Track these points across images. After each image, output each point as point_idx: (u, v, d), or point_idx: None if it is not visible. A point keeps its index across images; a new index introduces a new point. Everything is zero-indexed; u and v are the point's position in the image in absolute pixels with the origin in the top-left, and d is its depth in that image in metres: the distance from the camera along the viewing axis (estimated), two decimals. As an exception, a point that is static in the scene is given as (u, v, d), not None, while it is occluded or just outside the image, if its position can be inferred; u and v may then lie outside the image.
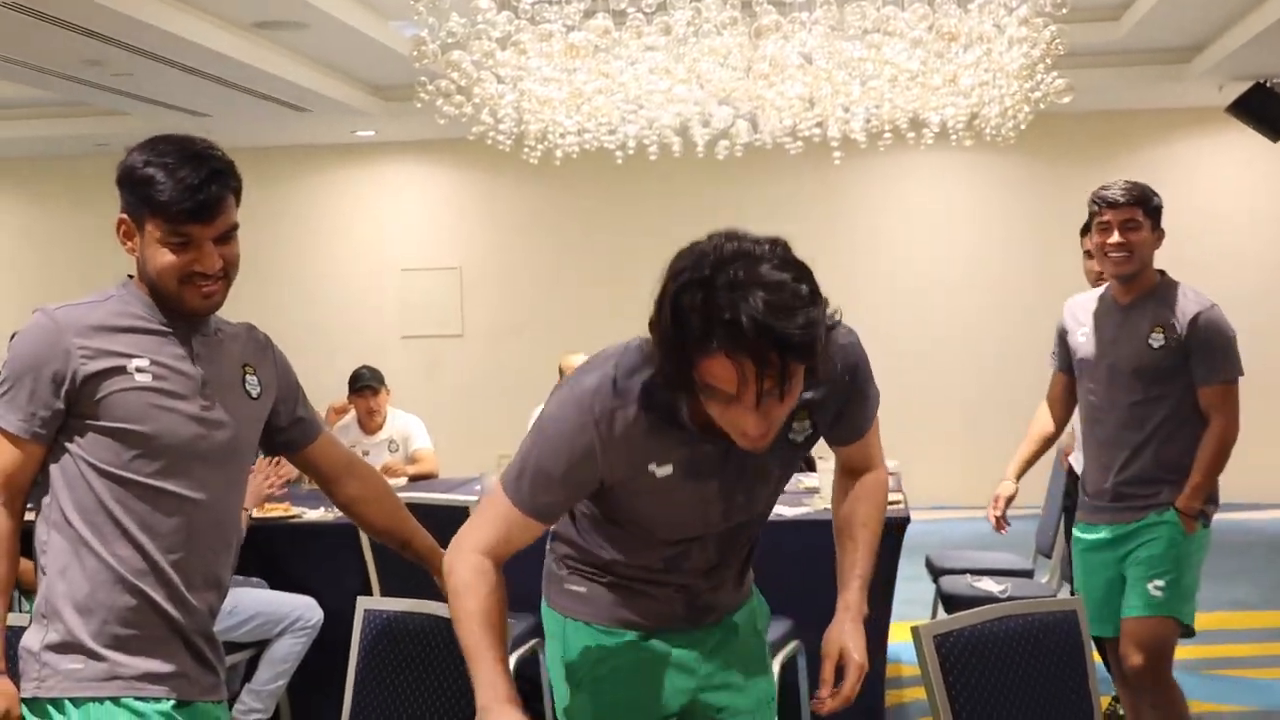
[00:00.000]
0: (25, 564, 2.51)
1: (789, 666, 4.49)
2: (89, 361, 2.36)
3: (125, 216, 2.43)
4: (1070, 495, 5.09)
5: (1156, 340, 3.97)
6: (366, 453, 6.65)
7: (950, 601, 5.23)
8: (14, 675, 2.40)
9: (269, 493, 4.64)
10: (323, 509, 5.53)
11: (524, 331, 11.08)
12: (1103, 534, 4.13)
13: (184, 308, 2.43)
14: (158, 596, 2.41)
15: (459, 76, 6.15)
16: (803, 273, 1.98)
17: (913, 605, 5.67)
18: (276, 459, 4.79)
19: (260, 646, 4.93)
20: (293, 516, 5.46)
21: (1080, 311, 4.28)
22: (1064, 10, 5.81)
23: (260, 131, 10.30)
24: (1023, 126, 7.37)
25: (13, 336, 2.44)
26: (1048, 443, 4.53)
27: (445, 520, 4.68)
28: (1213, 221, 10.33)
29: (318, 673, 4.71)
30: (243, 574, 5.10)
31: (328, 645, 4.53)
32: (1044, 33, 6.14)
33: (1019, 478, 4.53)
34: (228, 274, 2.44)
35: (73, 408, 2.38)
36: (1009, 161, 10.15)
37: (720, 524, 2.36)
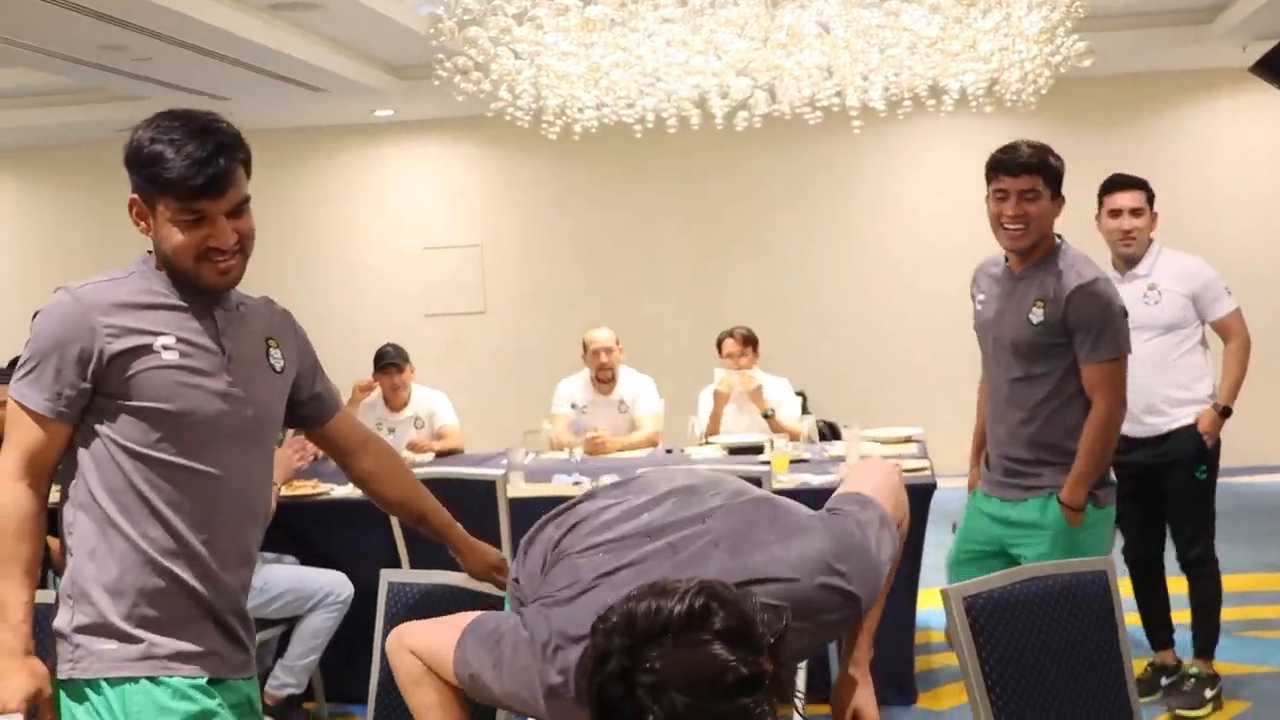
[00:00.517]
0: (51, 541, 2.52)
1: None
2: (115, 340, 2.36)
3: (136, 197, 2.41)
4: None
5: (1036, 315, 3.78)
6: (392, 430, 6.68)
7: (978, 568, 5.22)
8: (42, 655, 2.40)
9: (298, 466, 4.66)
10: (351, 485, 5.55)
11: (546, 307, 11.08)
12: (991, 506, 3.99)
13: (202, 285, 2.42)
14: (188, 576, 2.42)
15: (476, 53, 6.13)
16: (745, 640, 1.77)
17: (940, 571, 5.64)
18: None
19: (292, 622, 4.96)
20: (321, 493, 5.49)
21: (983, 277, 4.13)
22: (1084, -28, 5.76)
23: (279, 113, 10.30)
24: (1043, 91, 7.31)
25: (35, 316, 2.43)
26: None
27: (472, 494, 4.73)
28: (1237, 182, 10.25)
29: (349, 647, 4.75)
30: (274, 551, 5.14)
31: (359, 619, 4.56)
32: (1063, -5, 6.09)
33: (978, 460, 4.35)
34: (244, 248, 2.43)
35: (100, 387, 2.37)
36: (1030, 127, 10.00)
37: None
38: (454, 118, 10.96)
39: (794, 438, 6.43)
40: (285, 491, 5.35)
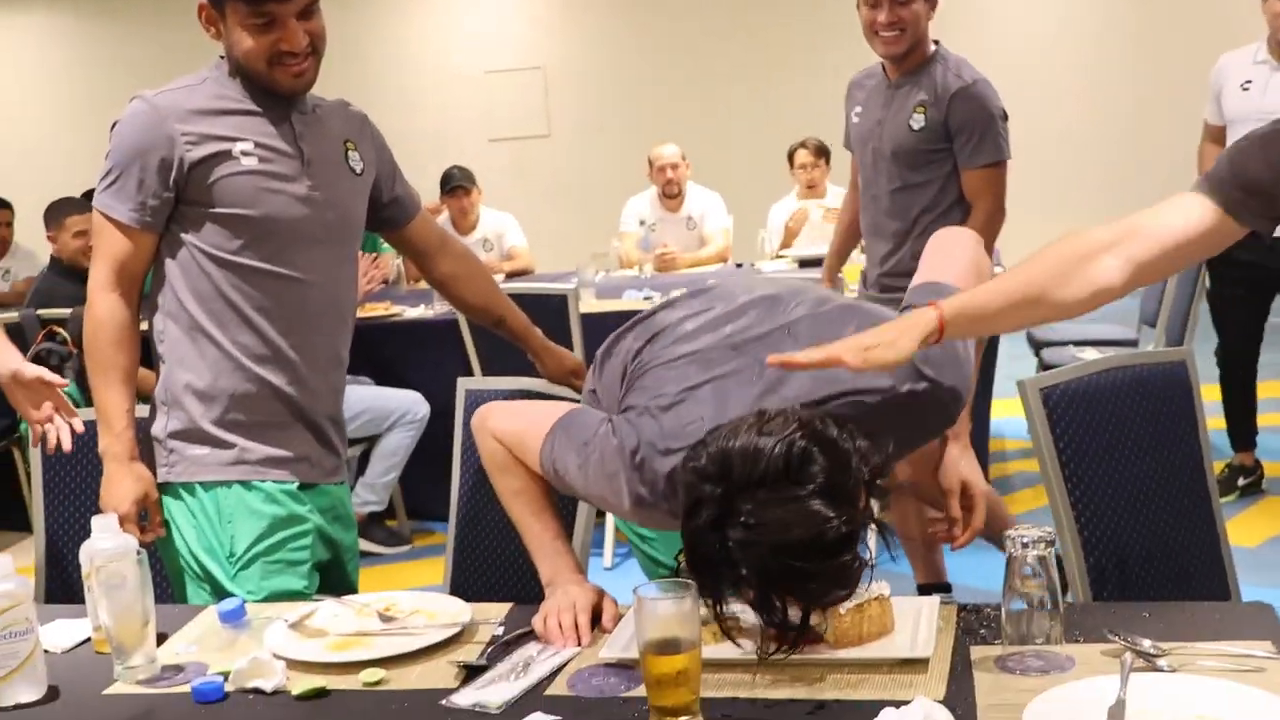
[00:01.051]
0: (146, 373, 2.56)
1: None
2: (194, 147, 2.35)
3: (205, 2, 2.37)
4: None
5: (917, 120, 3.70)
6: (462, 252, 6.69)
7: (1053, 373, 5.20)
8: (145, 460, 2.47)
9: (366, 290, 4.68)
10: (423, 306, 5.59)
11: (611, 128, 10.95)
12: None
13: (277, 89, 2.40)
14: (279, 381, 2.45)
15: None
16: (844, 493, 1.71)
17: (1013, 380, 5.64)
18: (375, 255, 4.83)
19: (371, 441, 5.05)
20: (394, 314, 5.53)
21: (857, 90, 4.01)
22: None
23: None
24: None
25: (113, 126, 2.43)
26: (854, 233, 4.27)
27: (545, 309, 4.74)
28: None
29: (428, 464, 4.83)
30: (350, 372, 5.19)
31: (436, 438, 4.62)
32: None
33: (833, 276, 4.34)
34: (316, 49, 2.40)
35: (182, 195, 2.37)
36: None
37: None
38: (511, -64, 10.74)
39: None
40: (359, 314, 5.38)
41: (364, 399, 5.00)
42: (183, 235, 2.41)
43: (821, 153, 6.92)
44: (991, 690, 1.69)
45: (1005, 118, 3.76)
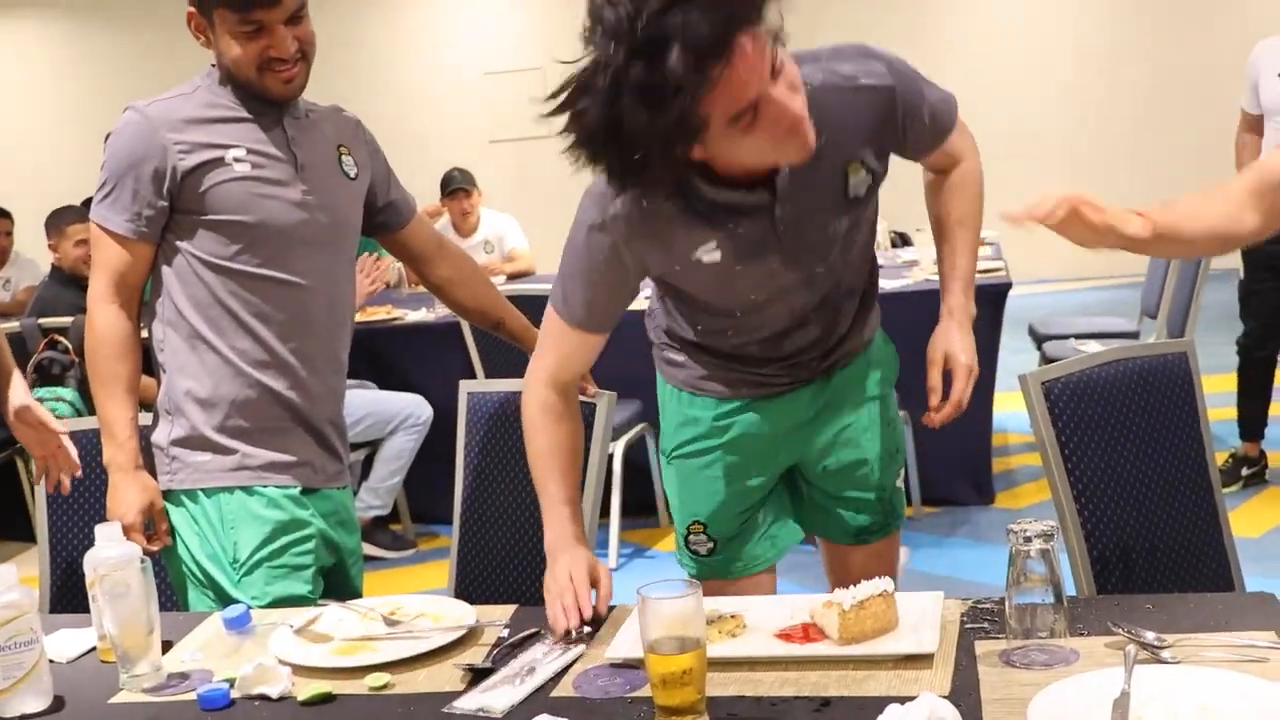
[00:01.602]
0: (147, 381, 2.57)
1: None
2: (186, 156, 2.36)
3: (193, 10, 2.38)
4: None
5: None
6: (463, 255, 6.68)
7: (1055, 366, 5.19)
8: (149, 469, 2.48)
9: (369, 291, 4.69)
10: (424, 309, 5.60)
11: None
12: None
13: (268, 95, 2.41)
14: (279, 386, 2.46)
15: None
16: None
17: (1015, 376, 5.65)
18: (377, 255, 4.82)
19: (374, 445, 5.06)
20: (396, 318, 5.54)
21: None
22: None
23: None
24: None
25: (107, 138, 2.45)
26: None
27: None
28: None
29: (431, 467, 4.84)
30: (351, 377, 5.20)
31: (439, 441, 4.63)
32: None
33: None
34: (305, 55, 2.41)
35: (176, 203, 2.39)
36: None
37: (809, 298, 2.21)
38: (507, -63, 10.75)
39: None
40: (360, 318, 5.40)
41: (366, 403, 5.01)
42: (178, 243, 2.42)
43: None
44: (996, 685, 1.69)
45: None
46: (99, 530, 2.08)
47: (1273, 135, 4.76)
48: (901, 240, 7.96)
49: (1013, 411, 5.32)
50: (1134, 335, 5.59)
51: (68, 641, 2.17)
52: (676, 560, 2.53)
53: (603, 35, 1.77)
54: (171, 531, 2.47)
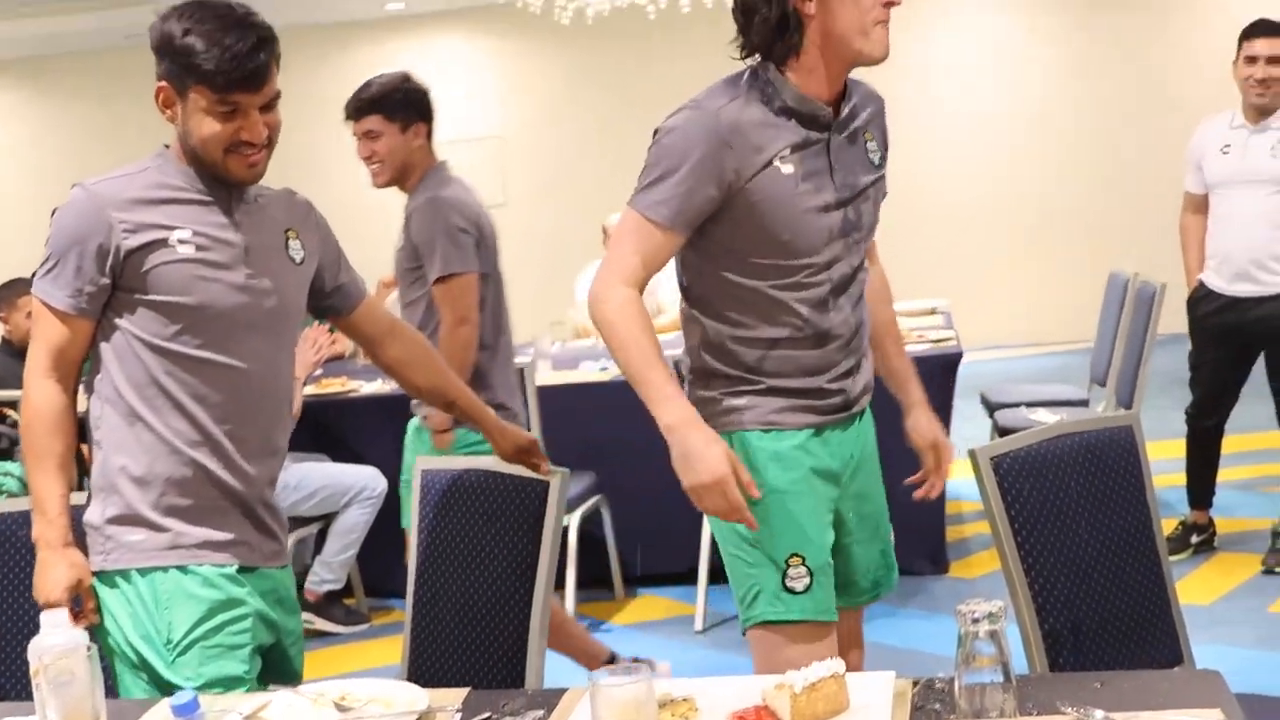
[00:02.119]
0: (83, 447, 2.56)
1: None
2: (131, 236, 2.36)
3: (165, 84, 2.39)
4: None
5: None
6: (417, 325, 6.68)
7: (1006, 435, 5.22)
8: (81, 549, 2.44)
9: (315, 361, 4.68)
10: (379, 381, 5.59)
11: (567, 196, 11.03)
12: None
13: (229, 177, 2.42)
14: (213, 466, 2.44)
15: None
16: None
17: (969, 443, 5.67)
18: (329, 326, 4.80)
19: (328, 519, 5.03)
20: (350, 391, 5.52)
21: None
22: None
23: (290, 10, 10.18)
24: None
25: (53, 213, 2.45)
26: None
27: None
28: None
29: (386, 541, 4.81)
30: (306, 450, 5.18)
31: (393, 514, 4.61)
32: None
33: None
34: (271, 141, 2.43)
35: (118, 282, 2.39)
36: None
37: (848, 259, 2.52)
38: (466, 8, 10.85)
39: None
40: (314, 390, 5.39)
41: (320, 476, 4.98)
42: (118, 321, 2.42)
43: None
44: (947, 766, 1.70)
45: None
46: (44, 617, 2.06)
47: (1219, 207, 4.86)
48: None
49: (966, 479, 5.34)
50: (1084, 403, 5.65)
51: (11, 731, 2.14)
52: (759, 617, 2.53)
53: None
54: (99, 610, 2.43)
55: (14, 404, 4.91)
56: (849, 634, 2.71)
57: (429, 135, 3.93)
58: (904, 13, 2.50)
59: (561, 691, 2.07)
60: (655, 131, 2.46)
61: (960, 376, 5.09)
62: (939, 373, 4.87)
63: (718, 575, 4.99)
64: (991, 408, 5.75)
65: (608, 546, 5.11)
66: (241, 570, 2.48)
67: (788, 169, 2.42)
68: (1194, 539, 5.09)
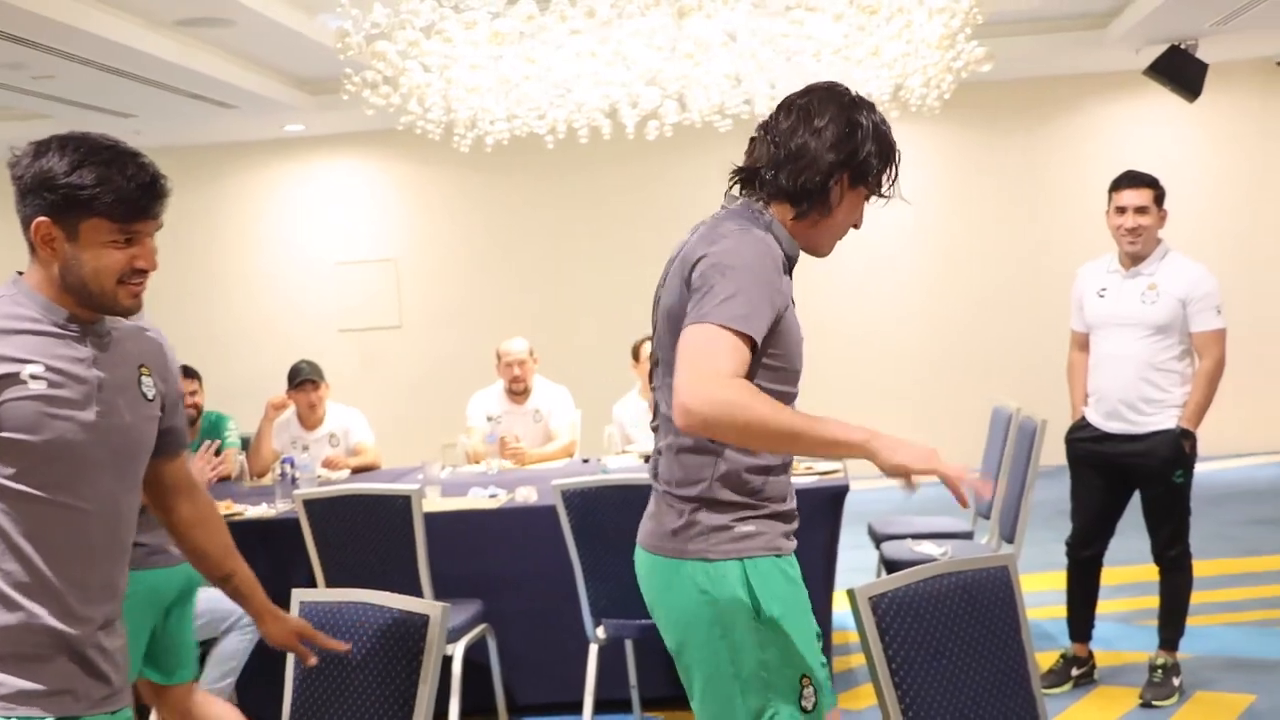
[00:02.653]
0: None
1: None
2: None
3: (48, 219, 2.30)
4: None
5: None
6: (307, 447, 6.63)
7: (892, 567, 5.28)
8: None
9: (209, 478, 4.59)
10: (264, 505, 5.52)
11: (462, 320, 11.06)
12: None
13: (117, 307, 2.37)
14: (43, 612, 2.32)
15: (385, 67, 6.13)
16: None
17: (857, 573, 5.71)
18: (217, 444, 4.71)
19: (207, 645, 4.91)
20: (235, 514, 5.44)
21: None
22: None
23: (188, 130, 10.19)
24: (946, 96, 7.44)
25: None
26: None
27: (388, 509, 4.71)
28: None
29: (266, 668, 4.70)
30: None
31: (275, 640, 4.52)
32: (962, 2, 6.21)
33: None
34: (149, 270, 2.41)
35: None
36: (937, 131, 10.24)
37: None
38: (365, 132, 10.93)
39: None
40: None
41: (201, 600, 4.87)
42: None
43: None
44: None
45: None
46: None
47: (1098, 345, 5.05)
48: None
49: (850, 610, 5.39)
50: (969, 535, 5.75)
51: None
52: None
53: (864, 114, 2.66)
54: None
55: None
56: None
57: None
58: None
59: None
60: (702, 256, 2.58)
61: (849, 505, 5.16)
62: (826, 504, 4.93)
63: (602, 705, 4.99)
64: (878, 539, 5.82)
65: (493, 675, 5.05)
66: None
67: (790, 304, 2.65)
68: (1074, 672, 5.17)
